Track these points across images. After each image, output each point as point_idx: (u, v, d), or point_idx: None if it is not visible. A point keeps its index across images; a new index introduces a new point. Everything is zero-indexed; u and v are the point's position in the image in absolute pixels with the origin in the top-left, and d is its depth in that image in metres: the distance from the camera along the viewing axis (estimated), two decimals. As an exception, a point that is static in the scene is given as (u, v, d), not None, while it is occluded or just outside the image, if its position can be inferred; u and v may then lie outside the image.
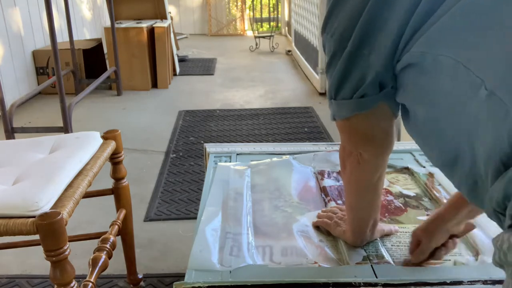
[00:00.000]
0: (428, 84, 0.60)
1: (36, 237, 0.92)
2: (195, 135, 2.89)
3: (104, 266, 1.16)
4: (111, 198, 1.40)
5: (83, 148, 1.18)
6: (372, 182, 0.85)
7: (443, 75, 0.56)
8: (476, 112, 0.52)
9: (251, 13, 6.77)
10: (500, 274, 0.81)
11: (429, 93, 0.60)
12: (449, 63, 0.55)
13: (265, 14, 7.05)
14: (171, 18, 4.90)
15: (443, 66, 0.56)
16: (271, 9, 7.05)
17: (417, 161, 1.33)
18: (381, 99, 0.70)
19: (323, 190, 1.17)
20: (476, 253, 0.92)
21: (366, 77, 0.68)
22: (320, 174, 1.25)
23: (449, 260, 0.91)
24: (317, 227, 1.03)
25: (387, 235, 0.99)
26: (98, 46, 4.11)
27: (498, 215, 0.51)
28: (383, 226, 0.99)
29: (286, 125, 3.05)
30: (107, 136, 1.32)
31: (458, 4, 0.57)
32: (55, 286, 0.96)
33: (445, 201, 1.10)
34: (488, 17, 0.54)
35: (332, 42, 0.71)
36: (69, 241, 0.96)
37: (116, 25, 3.83)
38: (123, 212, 1.39)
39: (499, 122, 0.49)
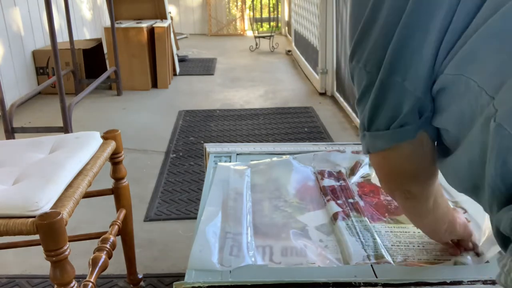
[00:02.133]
0: (456, 108, 0.58)
1: (36, 237, 0.92)
2: (195, 135, 2.89)
3: (104, 266, 1.16)
4: (111, 198, 1.40)
5: (83, 148, 1.18)
6: (429, 207, 0.79)
7: (470, 101, 0.55)
8: (486, 143, 0.51)
9: (251, 13, 6.77)
10: (500, 274, 0.81)
11: (457, 117, 0.58)
12: (475, 89, 0.53)
13: (265, 14, 7.04)
14: (171, 18, 4.90)
15: (471, 91, 0.54)
16: (271, 9, 7.05)
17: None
18: (421, 127, 0.65)
19: (323, 190, 1.17)
20: (476, 253, 0.92)
21: (402, 105, 0.63)
22: (320, 174, 1.25)
23: (449, 260, 0.91)
24: None
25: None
26: (98, 46, 4.11)
27: (502, 237, 0.52)
28: (461, 218, 0.92)
29: (286, 125, 3.05)
30: (107, 136, 1.32)
31: (486, 25, 0.54)
32: (55, 286, 0.96)
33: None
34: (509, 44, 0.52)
35: (364, 72, 0.66)
36: (69, 241, 0.95)
37: (116, 25, 3.83)
38: (123, 212, 1.39)
39: (505, 155, 0.48)
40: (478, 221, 1.01)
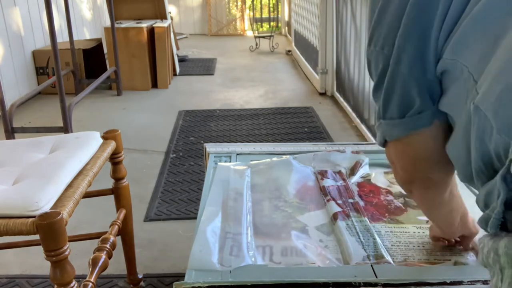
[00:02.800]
0: (453, 91, 0.59)
1: (36, 237, 0.92)
2: (195, 135, 2.89)
3: (104, 266, 1.16)
4: (111, 198, 1.40)
5: (83, 148, 1.18)
6: (446, 197, 0.79)
7: (460, 84, 0.56)
8: (469, 125, 0.53)
9: (251, 13, 6.77)
10: (500, 274, 0.81)
11: (453, 101, 0.60)
12: (465, 73, 0.55)
13: (265, 14, 7.05)
14: (171, 18, 4.90)
15: (463, 76, 0.56)
16: (271, 9, 7.05)
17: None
18: (437, 113, 0.65)
19: (323, 190, 1.17)
20: (476, 253, 0.92)
21: (411, 93, 0.64)
22: (320, 174, 1.25)
23: (449, 260, 0.91)
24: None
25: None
26: (98, 46, 4.11)
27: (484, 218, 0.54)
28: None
29: (286, 125, 3.05)
30: (107, 136, 1.32)
31: (474, 10, 0.56)
32: (55, 286, 0.96)
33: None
34: (496, 28, 0.53)
35: (381, 55, 0.67)
36: (69, 241, 0.95)
37: (116, 25, 3.83)
38: (123, 212, 1.39)
39: (485, 137, 0.50)
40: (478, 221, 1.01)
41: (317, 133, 2.89)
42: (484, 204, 0.53)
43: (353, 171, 1.27)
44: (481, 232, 0.97)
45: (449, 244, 0.94)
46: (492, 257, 0.50)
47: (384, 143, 0.75)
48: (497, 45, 0.52)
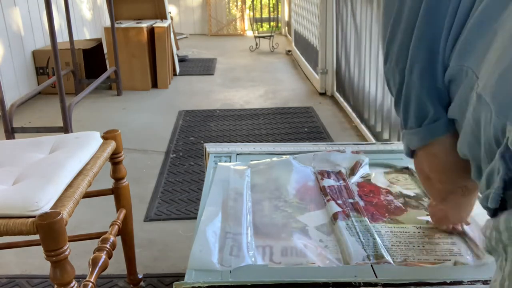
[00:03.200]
0: (459, 96, 0.61)
1: (36, 237, 0.92)
2: (195, 135, 2.89)
3: (104, 266, 1.16)
4: (111, 198, 1.40)
5: (83, 148, 1.18)
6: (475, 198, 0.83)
7: (466, 87, 0.58)
8: (474, 116, 0.55)
9: (251, 13, 6.77)
10: (500, 274, 0.81)
11: (460, 106, 0.61)
12: (471, 75, 0.57)
13: (265, 14, 7.05)
14: (171, 18, 4.90)
15: (468, 78, 0.58)
16: (271, 9, 7.05)
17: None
18: (452, 124, 0.67)
19: (323, 190, 1.17)
20: (476, 253, 0.92)
21: (425, 102, 0.67)
22: (320, 174, 1.25)
23: (449, 260, 0.91)
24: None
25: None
26: (98, 46, 4.11)
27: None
28: None
29: (286, 125, 3.05)
30: (107, 136, 1.32)
31: (475, 14, 0.58)
32: (55, 286, 0.96)
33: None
34: (495, 24, 0.55)
35: (397, 71, 0.70)
36: (69, 241, 0.96)
37: (116, 25, 3.83)
38: (123, 212, 1.39)
39: (487, 124, 0.51)
40: (478, 221, 1.01)
41: (317, 133, 2.89)
42: (486, 186, 0.54)
43: (353, 171, 1.27)
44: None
45: (453, 229, 0.97)
46: (494, 236, 0.50)
47: (411, 154, 0.77)
48: (496, 37, 0.54)
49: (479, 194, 0.73)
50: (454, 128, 0.68)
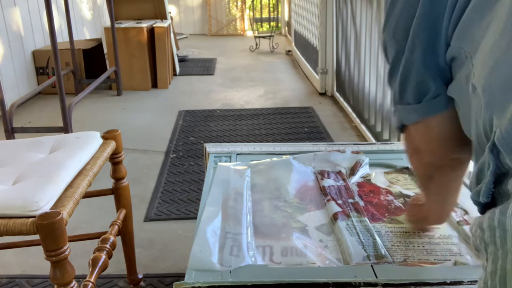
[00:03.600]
0: (458, 78, 0.61)
1: (36, 237, 0.92)
2: (195, 135, 2.89)
3: (104, 266, 1.16)
4: (111, 198, 1.40)
5: (83, 148, 1.18)
6: (460, 182, 0.82)
7: (464, 70, 0.58)
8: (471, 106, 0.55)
9: (251, 13, 6.77)
10: (500, 274, 0.81)
11: (458, 86, 0.62)
12: (468, 60, 0.57)
13: (265, 14, 7.05)
14: (171, 18, 4.90)
15: (467, 62, 0.58)
16: (271, 9, 7.05)
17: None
18: (451, 99, 0.67)
19: (323, 190, 1.17)
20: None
21: (427, 79, 0.67)
22: (320, 174, 1.25)
23: (449, 260, 0.91)
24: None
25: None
26: (98, 46, 4.11)
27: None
28: None
29: (286, 125, 3.05)
30: (107, 136, 1.32)
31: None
32: (55, 286, 0.96)
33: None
34: (490, 11, 0.55)
35: (393, 41, 0.70)
36: (69, 241, 0.96)
37: (116, 25, 3.83)
38: (123, 212, 1.39)
39: (478, 116, 0.51)
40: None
41: (317, 133, 2.89)
42: (476, 181, 0.54)
43: (353, 171, 1.27)
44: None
45: (424, 229, 0.99)
46: (478, 234, 0.50)
47: (402, 128, 0.76)
48: (490, 25, 0.53)
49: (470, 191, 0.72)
50: (453, 103, 0.67)
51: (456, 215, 1.03)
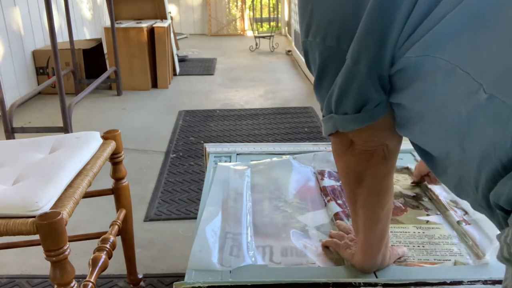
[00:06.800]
0: (423, 86, 0.59)
1: (36, 237, 0.92)
2: (195, 135, 2.89)
3: (104, 266, 1.17)
4: (111, 198, 1.40)
5: (83, 148, 1.18)
6: (391, 182, 0.80)
7: (439, 78, 0.56)
8: (470, 115, 0.52)
9: (251, 13, 6.77)
10: (500, 274, 0.81)
11: (422, 95, 0.59)
12: (446, 67, 0.55)
13: (265, 14, 7.05)
14: (171, 18, 4.90)
15: (440, 69, 0.56)
16: (271, 9, 7.05)
17: (417, 161, 1.33)
18: (388, 102, 0.66)
19: (323, 190, 1.17)
20: (476, 253, 0.92)
21: (370, 90, 0.65)
22: (320, 174, 1.25)
23: (449, 260, 0.91)
24: (326, 246, 0.96)
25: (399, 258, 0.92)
26: (98, 46, 4.11)
27: (499, 210, 0.52)
28: (397, 249, 0.92)
29: (286, 125, 3.05)
30: (107, 136, 1.32)
31: (458, 8, 0.56)
32: (55, 286, 0.96)
33: (444, 200, 1.10)
34: (488, 21, 0.54)
35: (323, 46, 0.67)
36: (69, 241, 0.95)
37: (116, 25, 3.83)
38: (123, 212, 1.39)
39: (501, 125, 0.49)
40: (478, 223, 1.01)
41: (317, 133, 2.89)
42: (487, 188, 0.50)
43: (353, 171, 1.27)
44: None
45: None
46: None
47: (334, 132, 0.74)
48: (496, 35, 0.52)
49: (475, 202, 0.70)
50: (390, 106, 0.67)
51: (456, 215, 1.03)
